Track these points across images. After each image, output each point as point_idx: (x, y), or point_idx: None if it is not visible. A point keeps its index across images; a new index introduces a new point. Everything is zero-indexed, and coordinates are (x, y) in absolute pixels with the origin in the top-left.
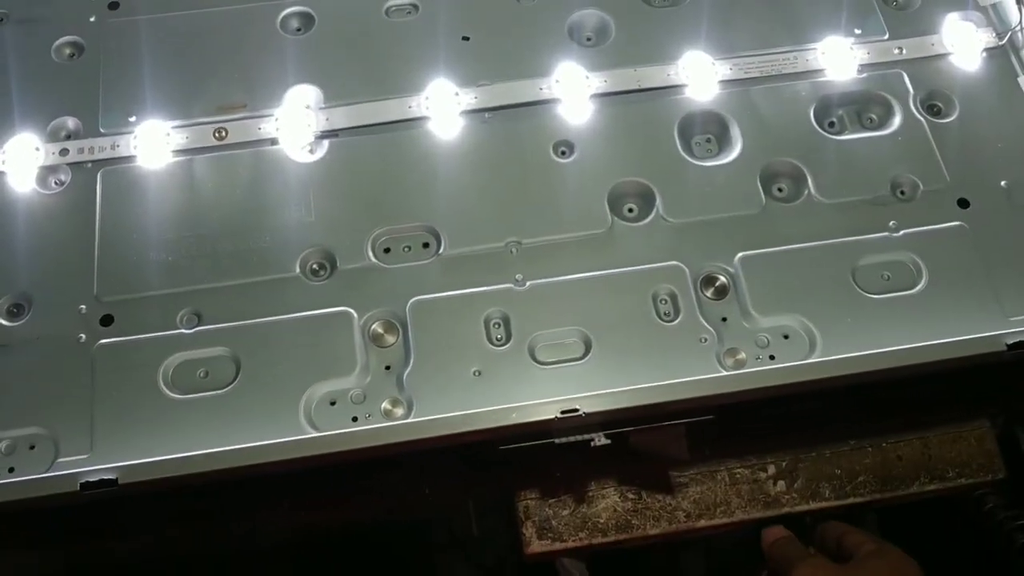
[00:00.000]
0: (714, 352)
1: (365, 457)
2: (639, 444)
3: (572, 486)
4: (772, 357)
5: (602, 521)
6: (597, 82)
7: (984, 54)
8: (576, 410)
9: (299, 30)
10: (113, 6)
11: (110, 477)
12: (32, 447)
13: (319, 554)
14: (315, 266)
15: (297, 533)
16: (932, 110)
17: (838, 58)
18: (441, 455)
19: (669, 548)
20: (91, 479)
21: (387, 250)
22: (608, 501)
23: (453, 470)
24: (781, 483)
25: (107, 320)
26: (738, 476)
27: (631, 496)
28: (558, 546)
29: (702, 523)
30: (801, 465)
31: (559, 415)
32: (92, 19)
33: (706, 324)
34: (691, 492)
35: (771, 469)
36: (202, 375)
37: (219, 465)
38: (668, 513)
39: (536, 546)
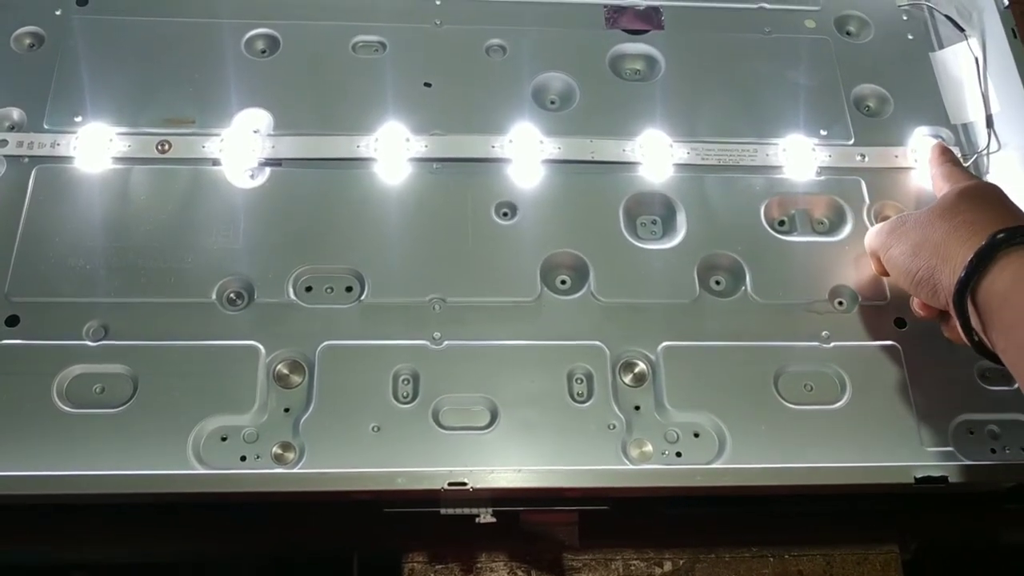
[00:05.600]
0: (620, 440)
1: (244, 500)
2: (528, 524)
3: (461, 555)
4: (679, 454)
5: None
6: (551, 147)
7: None
8: (464, 484)
9: (264, 52)
10: (81, 2)
11: None
12: None
13: None
14: (232, 295)
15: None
16: None
17: (799, 157)
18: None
19: None
20: None
21: (308, 288)
22: (496, 575)
23: (341, 517)
24: None
25: (13, 321)
26: (633, 568)
27: (520, 574)
28: None
29: None
30: (699, 566)
31: (446, 487)
32: (58, 12)
33: (617, 411)
34: None
35: (667, 565)
36: (98, 391)
37: (97, 489)
38: None
39: None
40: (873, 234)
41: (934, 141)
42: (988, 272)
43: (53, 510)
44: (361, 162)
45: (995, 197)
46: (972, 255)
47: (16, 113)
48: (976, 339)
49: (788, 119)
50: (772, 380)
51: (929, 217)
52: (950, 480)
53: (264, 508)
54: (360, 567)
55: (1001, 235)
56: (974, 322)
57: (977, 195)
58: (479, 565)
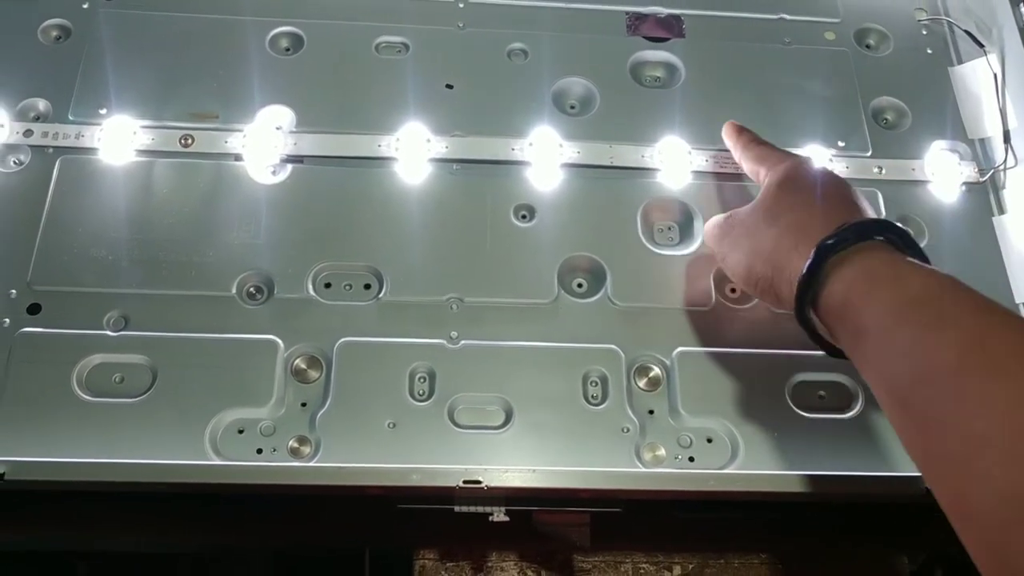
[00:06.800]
0: (634, 444)
1: (261, 492)
2: (540, 524)
3: (472, 553)
4: (692, 459)
5: None
6: (570, 152)
7: (963, 187)
8: (479, 482)
9: (287, 50)
10: None
11: None
12: None
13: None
14: (252, 289)
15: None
16: None
17: None
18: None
19: None
20: None
21: (327, 285)
22: (507, 574)
23: (355, 512)
24: None
25: (35, 309)
26: (642, 571)
27: (530, 573)
28: None
29: None
30: (707, 571)
31: (461, 484)
32: (85, 6)
33: (632, 414)
34: None
35: (676, 570)
36: (117, 380)
37: (114, 477)
38: None
39: None
40: (709, 236)
41: (950, 155)
42: (823, 285)
43: (62, 498)
44: (382, 161)
45: (812, 183)
46: (803, 271)
47: (42, 104)
48: (826, 346)
49: (806, 129)
50: (786, 388)
51: (755, 220)
52: None
53: (277, 502)
54: (372, 563)
55: (829, 241)
56: (822, 330)
57: (796, 186)
58: (489, 564)
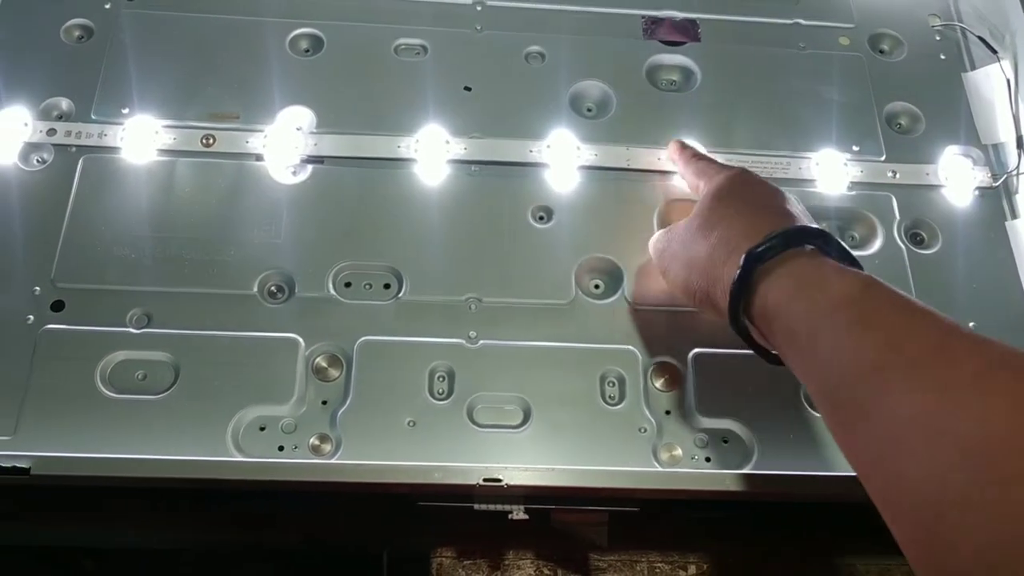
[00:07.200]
0: (651, 444)
1: (283, 489)
2: (558, 523)
3: (489, 551)
4: (708, 459)
5: None
6: (588, 154)
7: (977, 192)
8: (499, 480)
9: (307, 51)
10: None
11: (23, 466)
12: None
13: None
14: (273, 288)
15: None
16: (915, 239)
17: (831, 171)
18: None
19: None
20: (4, 464)
21: (348, 284)
22: (523, 573)
23: (374, 512)
24: None
25: (58, 306)
26: (657, 571)
27: (547, 572)
28: None
29: None
30: (723, 571)
31: (481, 482)
32: (107, 6)
33: (648, 415)
34: None
35: (692, 569)
36: (140, 377)
37: (137, 473)
38: None
39: None
40: (651, 251)
41: (964, 160)
42: (754, 293)
43: (71, 493)
44: (401, 162)
45: (745, 194)
46: (734, 282)
47: (65, 103)
48: (764, 353)
49: (821, 134)
50: (801, 390)
51: (691, 233)
52: None
53: (296, 498)
54: (390, 560)
55: (758, 250)
56: (759, 337)
57: (729, 198)
58: (507, 562)
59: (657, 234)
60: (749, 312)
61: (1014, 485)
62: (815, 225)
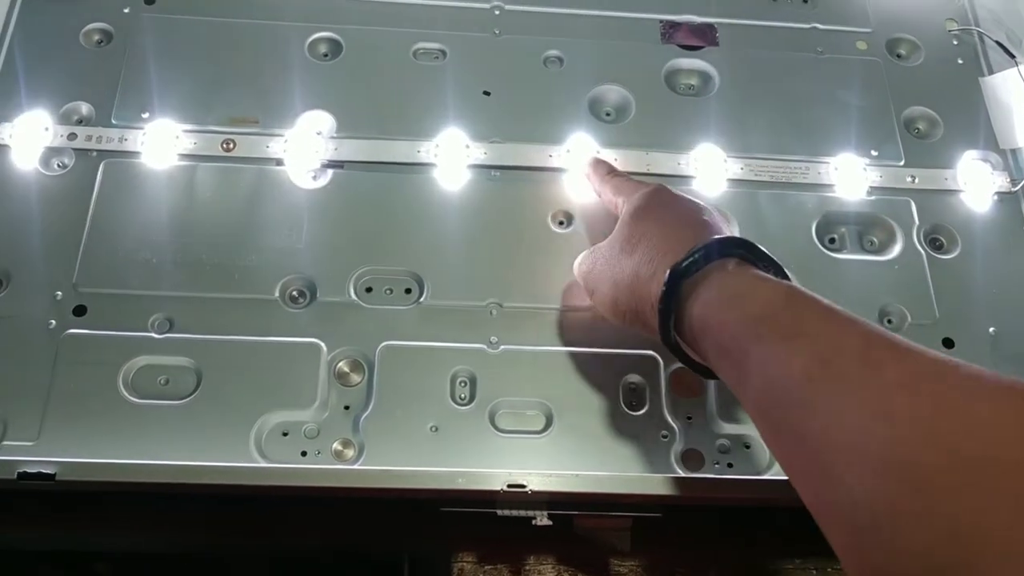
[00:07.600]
0: (673, 450)
1: (306, 494)
2: (582, 528)
3: (510, 556)
4: (730, 465)
5: None
6: (608, 159)
7: (995, 197)
8: (523, 486)
9: (326, 56)
10: (149, 1)
11: (48, 471)
12: None
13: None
14: (295, 293)
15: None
16: (934, 244)
17: (850, 176)
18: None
19: None
20: (30, 470)
21: (369, 289)
22: None
23: (395, 516)
24: None
25: (80, 310)
26: None
27: None
28: None
29: None
30: None
31: (505, 488)
32: (126, 10)
33: (671, 420)
34: None
35: (711, 574)
36: (162, 382)
37: (162, 479)
38: None
39: None
40: (577, 273)
41: (982, 165)
42: (683, 309)
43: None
44: (421, 167)
45: (664, 209)
46: (660, 299)
47: (85, 108)
48: (699, 368)
49: (839, 138)
50: None
51: (614, 252)
52: None
53: (316, 503)
54: (411, 564)
55: (682, 265)
56: (692, 353)
57: (649, 214)
58: (527, 567)
59: (581, 255)
60: (679, 328)
61: (940, 492)
62: (737, 234)
